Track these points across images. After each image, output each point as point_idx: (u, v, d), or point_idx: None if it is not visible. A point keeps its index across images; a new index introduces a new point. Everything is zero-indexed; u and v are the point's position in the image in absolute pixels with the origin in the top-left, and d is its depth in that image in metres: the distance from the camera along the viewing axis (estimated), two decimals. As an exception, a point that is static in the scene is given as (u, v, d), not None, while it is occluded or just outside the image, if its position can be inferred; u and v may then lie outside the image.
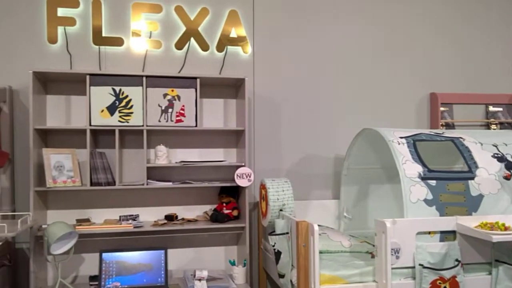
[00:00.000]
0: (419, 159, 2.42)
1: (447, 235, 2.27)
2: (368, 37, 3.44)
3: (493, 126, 3.60)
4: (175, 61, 3.10)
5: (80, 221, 2.82)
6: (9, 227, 2.25)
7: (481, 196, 2.37)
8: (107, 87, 2.74)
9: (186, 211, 3.08)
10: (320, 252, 2.24)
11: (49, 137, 2.89)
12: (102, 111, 2.73)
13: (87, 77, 2.71)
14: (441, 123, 3.47)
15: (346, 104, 3.39)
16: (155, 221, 2.92)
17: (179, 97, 2.83)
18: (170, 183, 2.88)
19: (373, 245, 2.31)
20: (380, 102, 3.45)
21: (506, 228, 2.17)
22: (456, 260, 2.22)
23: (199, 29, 3.12)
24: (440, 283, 2.20)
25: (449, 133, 2.66)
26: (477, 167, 2.45)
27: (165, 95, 2.82)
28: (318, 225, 2.22)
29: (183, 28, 3.10)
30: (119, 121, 2.75)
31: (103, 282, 2.67)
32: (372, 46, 3.44)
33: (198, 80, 2.85)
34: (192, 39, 3.11)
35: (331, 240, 2.43)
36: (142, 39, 3.05)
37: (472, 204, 2.35)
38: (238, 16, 3.18)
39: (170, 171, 3.04)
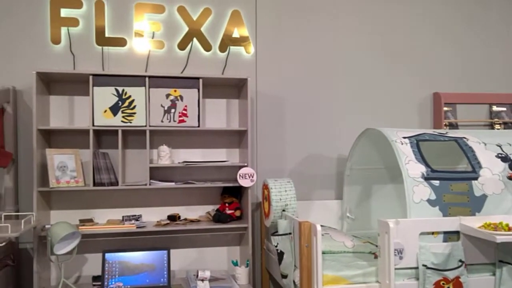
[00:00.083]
0: (422, 159, 2.41)
1: (450, 235, 2.26)
2: (371, 37, 3.43)
3: (497, 126, 3.59)
4: (177, 61, 3.11)
5: (83, 221, 2.83)
6: (12, 227, 2.26)
7: (484, 196, 2.36)
8: (110, 88, 2.75)
9: (189, 211, 3.08)
10: (323, 253, 2.23)
11: (52, 138, 2.89)
12: (105, 111, 2.74)
13: (90, 77, 2.71)
14: (444, 123, 3.46)
15: (349, 104, 3.39)
16: (157, 221, 2.93)
17: (181, 97, 2.83)
18: (173, 183, 2.88)
19: (376, 246, 2.31)
20: (383, 102, 3.44)
21: (510, 229, 2.16)
22: (460, 260, 2.22)
23: (202, 29, 3.13)
24: (443, 283, 2.19)
25: (453, 133, 2.65)
26: (480, 167, 2.44)
27: (167, 95, 2.82)
28: (321, 226, 2.21)
29: (185, 29, 3.11)
30: (122, 121, 2.75)
31: (106, 282, 2.68)
32: (375, 46, 3.44)
33: (200, 80, 2.85)
34: (194, 39, 3.12)
35: (334, 240, 2.43)
36: (145, 39, 3.05)
37: (475, 205, 2.34)
38: (241, 16, 3.18)
39: (173, 171, 3.04)
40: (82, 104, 2.93)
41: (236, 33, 3.17)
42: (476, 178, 2.39)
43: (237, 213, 3.01)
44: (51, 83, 2.90)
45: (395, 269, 2.16)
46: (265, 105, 3.25)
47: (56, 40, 2.93)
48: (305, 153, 3.31)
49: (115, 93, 2.75)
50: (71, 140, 2.90)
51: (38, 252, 2.62)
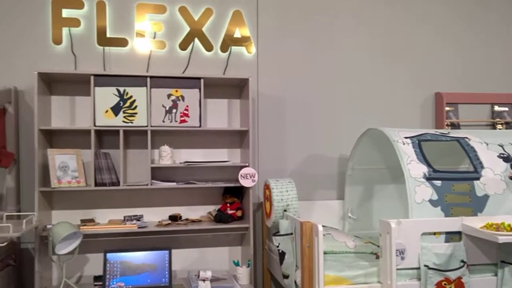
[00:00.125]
0: (424, 159, 2.41)
1: (452, 236, 2.25)
2: (372, 38, 3.43)
3: (499, 126, 3.58)
4: (179, 61, 3.11)
5: (84, 221, 2.83)
6: (14, 227, 2.26)
7: (486, 197, 2.36)
8: (111, 88, 2.75)
9: (190, 211, 3.08)
10: (325, 253, 2.23)
11: (54, 138, 2.90)
12: (107, 111, 2.74)
13: (92, 77, 2.71)
14: (446, 123, 3.45)
15: (351, 104, 3.38)
16: (159, 222, 2.93)
17: (183, 98, 2.83)
18: (174, 183, 2.88)
19: (378, 246, 2.30)
20: (384, 102, 3.44)
21: (512, 229, 2.16)
22: (462, 261, 2.21)
23: (203, 29, 3.13)
24: (445, 284, 2.18)
25: (455, 133, 2.64)
26: (482, 167, 2.43)
27: (169, 95, 2.82)
28: (323, 226, 2.21)
29: (187, 29, 3.11)
30: (123, 121, 2.76)
31: (107, 282, 2.68)
32: (377, 46, 3.43)
33: (202, 81, 2.85)
34: (196, 39, 3.12)
35: (335, 240, 2.42)
36: (146, 39, 3.05)
37: (477, 205, 2.33)
38: (242, 17, 3.17)
39: (174, 172, 3.04)
40: (83, 104, 2.93)
41: (237, 33, 3.17)
42: (478, 178, 2.39)
43: (239, 213, 3.01)
44: (52, 83, 2.90)
45: (397, 269, 2.15)
46: (266, 105, 3.25)
47: (58, 41, 2.93)
48: (306, 153, 3.31)
49: (117, 93, 2.75)
50: (72, 140, 2.90)
51: (39, 252, 2.63)
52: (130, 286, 2.69)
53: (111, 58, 3.02)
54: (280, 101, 3.27)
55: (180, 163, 2.92)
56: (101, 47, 3.00)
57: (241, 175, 2.86)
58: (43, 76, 2.72)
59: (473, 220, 2.26)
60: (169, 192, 3.06)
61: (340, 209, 3.24)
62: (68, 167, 2.73)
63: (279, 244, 2.56)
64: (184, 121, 2.84)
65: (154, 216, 3.03)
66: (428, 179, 2.33)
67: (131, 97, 2.77)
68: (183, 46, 3.10)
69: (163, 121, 2.81)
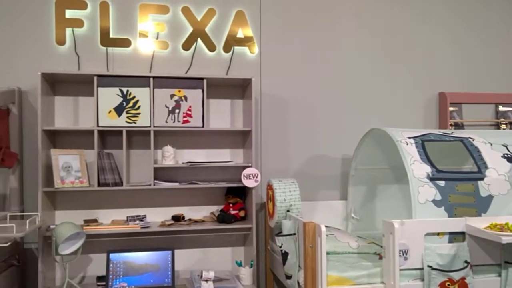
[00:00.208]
0: (427, 159, 2.40)
1: (456, 236, 2.24)
2: (375, 38, 3.42)
3: (503, 126, 3.56)
4: (182, 61, 3.11)
5: (87, 222, 2.84)
6: (17, 227, 2.27)
7: (490, 197, 2.34)
8: (114, 88, 2.75)
9: (193, 211, 3.08)
10: (328, 253, 2.22)
11: (57, 138, 2.90)
12: (110, 112, 2.74)
13: (95, 78, 2.72)
14: (450, 123, 3.44)
15: (354, 104, 3.37)
16: (162, 222, 2.93)
17: (186, 98, 2.84)
18: (177, 183, 2.89)
19: (381, 246, 2.29)
20: (387, 102, 3.43)
21: (516, 230, 2.15)
22: (465, 261, 2.20)
23: (206, 29, 3.13)
24: (449, 284, 2.17)
25: (458, 133, 2.63)
26: (486, 167, 2.42)
27: (172, 95, 2.82)
28: (326, 226, 2.20)
29: (190, 29, 3.11)
30: (126, 122, 2.76)
31: (110, 283, 2.68)
32: (380, 46, 3.42)
33: (205, 81, 2.85)
34: (199, 39, 3.12)
35: (338, 241, 2.42)
36: (149, 40, 3.06)
37: (481, 205, 2.32)
38: (245, 17, 3.17)
39: (177, 172, 3.05)
40: (86, 104, 2.94)
41: (240, 34, 3.17)
42: (482, 179, 2.38)
43: (241, 213, 3.00)
44: (56, 83, 2.91)
45: (400, 270, 2.15)
46: (269, 105, 3.24)
47: (61, 41, 2.94)
48: (309, 153, 3.30)
49: (120, 94, 2.76)
50: (75, 140, 2.91)
51: (43, 252, 2.64)
52: (133, 286, 2.69)
53: (114, 59, 3.02)
54: (283, 101, 3.27)
55: (183, 163, 2.92)
56: (104, 48, 3.01)
57: (244, 175, 2.86)
58: (47, 77, 2.72)
59: (477, 220, 2.25)
60: (172, 193, 3.06)
61: (343, 209, 3.23)
62: (71, 167, 2.73)
63: (282, 244, 2.56)
64: (187, 121, 2.84)
65: (157, 216, 3.03)
66: (432, 179, 2.32)
67: (134, 97, 2.77)
68: (186, 46, 3.10)
69: (166, 122, 2.81)
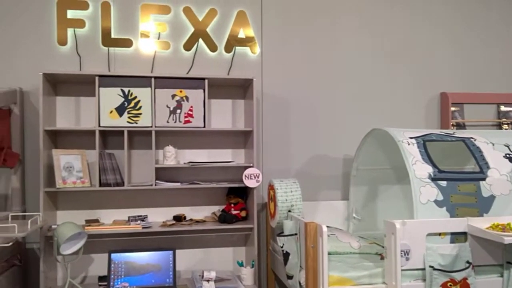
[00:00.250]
0: (429, 159, 2.39)
1: (458, 236, 2.24)
2: (376, 38, 3.42)
3: (505, 126, 3.56)
4: (183, 62, 3.11)
5: (89, 222, 2.84)
6: (19, 227, 2.27)
7: (492, 197, 2.34)
8: (116, 88, 2.75)
9: (194, 211, 3.08)
10: (329, 254, 2.22)
11: (58, 138, 2.91)
12: (111, 112, 2.75)
13: (96, 78, 2.72)
14: (452, 123, 3.43)
15: (355, 104, 3.37)
16: (163, 222, 2.93)
17: (187, 98, 2.84)
18: (179, 183, 2.89)
19: (383, 247, 2.29)
20: (389, 102, 3.42)
21: (518, 230, 2.14)
22: (467, 262, 2.19)
23: (208, 30, 3.13)
24: (450, 285, 2.17)
25: (460, 133, 2.63)
26: (488, 167, 2.41)
27: (173, 96, 2.82)
28: (327, 226, 2.20)
29: (191, 29, 3.11)
30: (127, 122, 2.76)
31: (112, 283, 2.68)
32: (381, 46, 3.42)
33: (206, 81, 2.85)
34: (200, 40, 3.12)
35: (340, 241, 2.41)
36: (150, 40, 3.06)
37: (483, 205, 2.32)
38: (246, 17, 3.17)
39: (179, 172, 3.05)
40: (88, 105, 2.94)
41: (241, 34, 3.17)
42: (484, 179, 2.37)
43: (243, 213, 3.00)
44: (57, 84, 2.91)
45: (402, 270, 2.14)
46: (270, 106, 3.24)
47: (63, 41, 2.95)
48: (311, 154, 3.30)
49: (121, 94, 2.76)
50: (77, 140, 2.91)
51: (44, 252, 2.64)
52: (134, 286, 2.70)
53: (115, 59, 3.02)
54: (285, 101, 3.27)
55: (184, 163, 2.92)
56: (106, 48, 3.01)
57: (245, 176, 2.85)
58: (48, 77, 2.73)
59: (478, 220, 2.24)
60: (173, 193, 3.06)
61: (344, 209, 3.23)
62: (73, 167, 2.74)
63: (283, 244, 2.56)
64: (188, 121, 2.84)
65: (158, 216, 3.03)
66: (433, 179, 2.32)
67: (135, 97, 2.77)
68: (188, 46, 3.11)
69: (168, 122, 2.81)
